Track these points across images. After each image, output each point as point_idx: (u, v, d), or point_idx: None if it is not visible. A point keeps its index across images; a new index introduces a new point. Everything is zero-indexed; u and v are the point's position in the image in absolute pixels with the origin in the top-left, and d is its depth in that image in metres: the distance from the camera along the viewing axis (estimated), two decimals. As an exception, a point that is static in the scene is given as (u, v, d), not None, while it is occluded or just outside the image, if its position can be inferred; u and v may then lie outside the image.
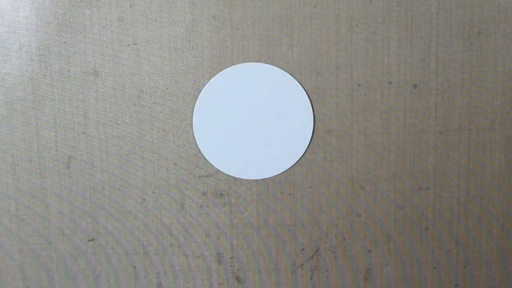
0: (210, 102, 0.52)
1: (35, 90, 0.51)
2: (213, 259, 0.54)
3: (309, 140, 0.52)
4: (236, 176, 0.53)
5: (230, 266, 0.54)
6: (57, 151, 0.52)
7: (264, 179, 0.53)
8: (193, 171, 0.53)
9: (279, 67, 0.51)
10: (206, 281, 0.54)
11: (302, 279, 0.54)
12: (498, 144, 0.53)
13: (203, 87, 0.52)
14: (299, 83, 0.52)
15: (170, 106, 0.52)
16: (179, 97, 0.52)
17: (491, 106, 0.52)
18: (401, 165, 0.53)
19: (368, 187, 0.53)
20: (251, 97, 0.52)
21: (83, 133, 0.52)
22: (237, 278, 0.54)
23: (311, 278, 0.54)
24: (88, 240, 0.53)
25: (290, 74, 0.51)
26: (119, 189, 0.53)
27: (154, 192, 0.53)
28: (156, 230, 0.53)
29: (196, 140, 0.52)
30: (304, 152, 0.52)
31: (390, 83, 0.52)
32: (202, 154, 0.52)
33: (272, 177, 0.53)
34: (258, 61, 0.51)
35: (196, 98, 0.52)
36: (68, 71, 0.51)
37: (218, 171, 0.53)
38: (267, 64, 0.51)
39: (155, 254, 0.54)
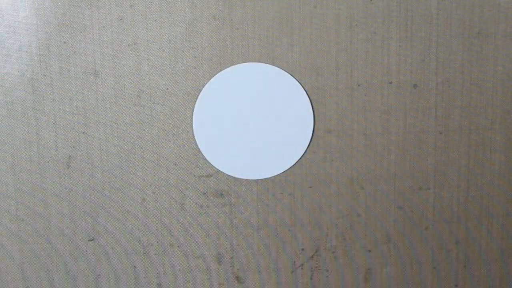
0: (210, 102, 0.52)
1: (35, 90, 0.51)
2: (213, 259, 0.54)
3: (309, 140, 0.52)
4: (236, 176, 0.53)
5: (230, 266, 0.54)
6: (57, 151, 0.52)
7: (264, 179, 0.53)
8: (193, 171, 0.53)
9: (279, 67, 0.51)
10: (206, 281, 0.54)
11: (302, 279, 0.54)
12: (498, 144, 0.53)
13: (203, 87, 0.52)
14: (299, 83, 0.52)
15: (170, 106, 0.52)
16: (179, 97, 0.52)
17: (491, 106, 0.52)
18: (401, 165, 0.53)
19: (368, 187, 0.53)
20: (251, 97, 0.52)
21: (83, 133, 0.52)
22: (237, 278, 0.54)
23: (311, 278, 0.54)
24: (88, 240, 0.53)
25: (290, 74, 0.51)
26: (119, 189, 0.53)
27: (154, 192, 0.53)
28: (156, 230, 0.53)
29: (196, 140, 0.52)
30: (304, 152, 0.52)
31: (390, 83, 0.52)
32: (202, 154, 0.52)
33: (272, 177, 0.53)
34: (258, 61, 0.51)
35: (196, 98, 0.52)
36: (68, 71, 0.51)
37: (218, 171, 0.53)
38: (267, 64, 0.51)
39: (155, 254, 0.54)
